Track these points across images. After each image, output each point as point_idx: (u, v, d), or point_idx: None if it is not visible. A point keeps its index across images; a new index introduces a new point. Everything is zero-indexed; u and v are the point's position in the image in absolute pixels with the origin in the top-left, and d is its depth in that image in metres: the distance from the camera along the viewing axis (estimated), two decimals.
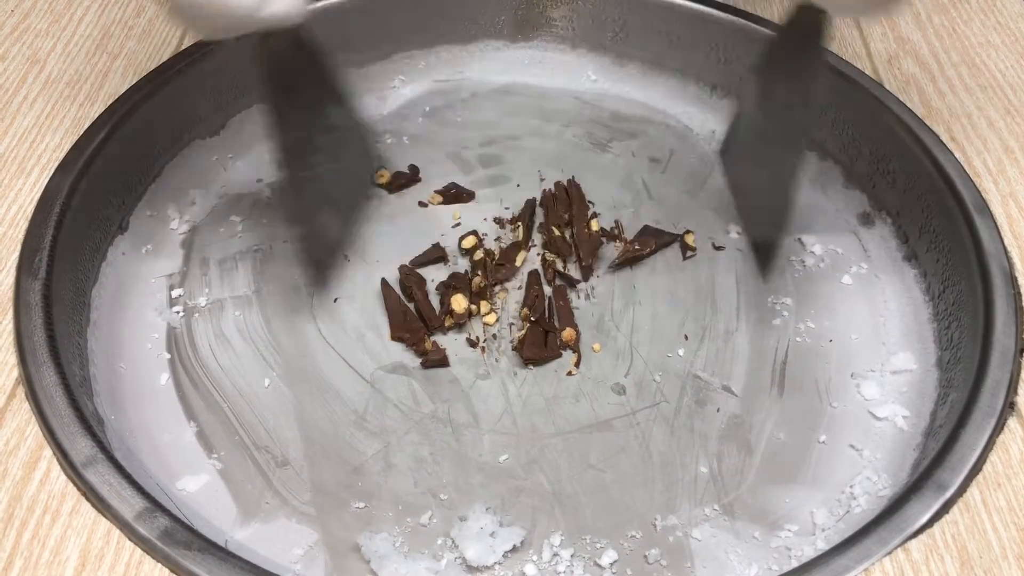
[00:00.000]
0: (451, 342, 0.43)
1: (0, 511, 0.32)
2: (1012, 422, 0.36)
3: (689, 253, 0.47)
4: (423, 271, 0.46)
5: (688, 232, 0.48)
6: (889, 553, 0.32)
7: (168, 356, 0.42)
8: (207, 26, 0.36)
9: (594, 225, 0.47)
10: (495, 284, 0.45)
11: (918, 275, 0.45)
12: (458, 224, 0.48)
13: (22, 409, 0.35)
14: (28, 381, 0.36)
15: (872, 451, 0.40)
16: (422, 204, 0.49)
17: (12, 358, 0.37)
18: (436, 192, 0.50)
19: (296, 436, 0.40)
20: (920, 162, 0.45)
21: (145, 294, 0.45)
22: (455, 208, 0.49)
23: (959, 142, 0.45)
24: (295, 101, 0.41)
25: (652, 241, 0.47)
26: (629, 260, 0.46)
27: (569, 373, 0.42)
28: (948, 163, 0.44)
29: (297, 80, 0.40)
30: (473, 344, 0.43)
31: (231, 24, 0.35)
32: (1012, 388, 0.37)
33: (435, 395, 0.41)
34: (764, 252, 0.44)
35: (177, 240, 0.47)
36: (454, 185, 0.50)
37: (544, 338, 0.43)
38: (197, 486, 0.38)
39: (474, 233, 0.47)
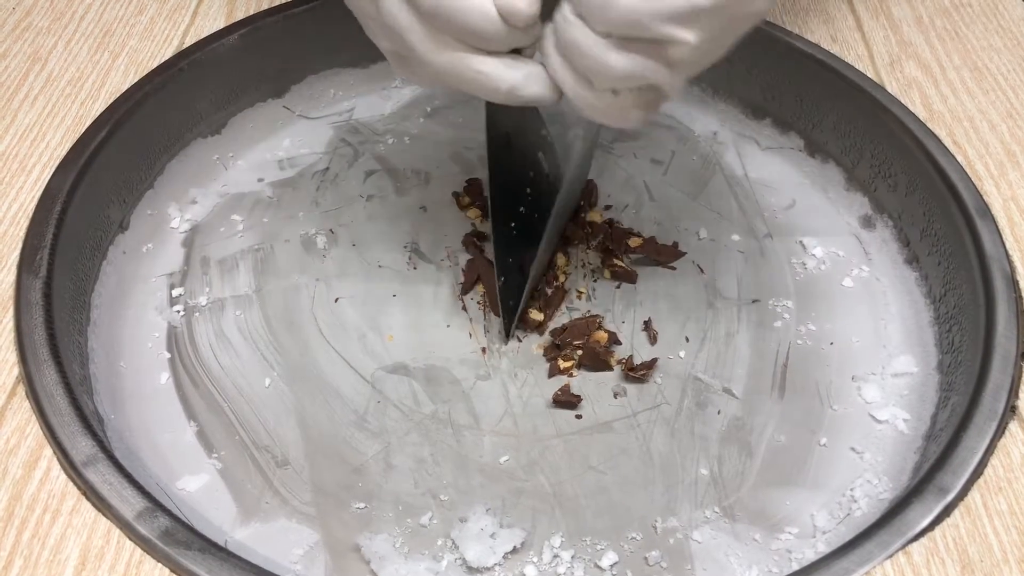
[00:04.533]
0: (451, 343, 0.43)
1: (0, 510, 0.32)
2: (1013, 426, 0.36)
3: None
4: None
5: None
6: (890, 556, 0.32)
7: (168, 355, 0.42)
8: (446, 85, 0.33)
9: (596, 216, 0.48)
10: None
11: (919, 278, 0.45)
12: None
13: (22, 408, 0.35)
14: (28, 380, 0.35)
15: (873, 454, 0.40)
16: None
17: (12, 356, 0.37)
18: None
19: (296, 436, 0.40)
20: (922, 165, 0.45)
21: (146, 293, 0.45)
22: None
23: (961, 145, 0.45)
24: (512, 146, 0.42)
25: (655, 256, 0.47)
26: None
27: (570, 374, 0.42)
28: (950, 166, 0.44)
29: (516, 126, 0.42)
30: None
31: (476, 93, 0.33)
32: (1013, 392, 0.37)
33: (436, 396, 0.41)
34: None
35: (178, 239, 0.47)
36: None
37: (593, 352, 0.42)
38: (197, 486, 0.38)
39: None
